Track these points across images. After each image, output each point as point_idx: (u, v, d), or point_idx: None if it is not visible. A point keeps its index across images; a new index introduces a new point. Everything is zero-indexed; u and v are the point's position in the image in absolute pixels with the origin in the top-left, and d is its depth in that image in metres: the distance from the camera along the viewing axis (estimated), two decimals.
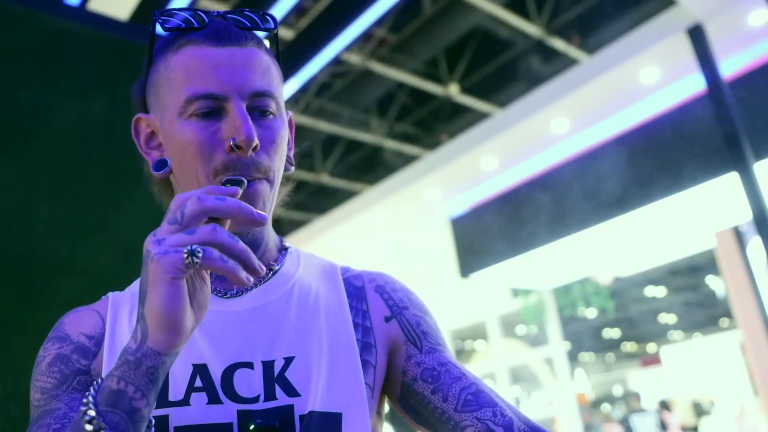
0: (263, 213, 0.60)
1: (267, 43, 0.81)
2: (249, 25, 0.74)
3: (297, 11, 5.97)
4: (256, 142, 0.69)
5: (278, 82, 0.76)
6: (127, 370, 0.56)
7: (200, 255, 0.53)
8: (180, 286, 0.55)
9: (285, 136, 0.76)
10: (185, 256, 0.53)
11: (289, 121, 0.84)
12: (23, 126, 1.72)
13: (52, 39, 1.83)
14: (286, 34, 6.18)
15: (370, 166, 9.67)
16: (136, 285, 0.83)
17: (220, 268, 0.54)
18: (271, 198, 0.74)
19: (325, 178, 9.32)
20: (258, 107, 0.72)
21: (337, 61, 6.38)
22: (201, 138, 0.70)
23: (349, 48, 5.78)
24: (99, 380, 0.60)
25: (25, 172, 1.69)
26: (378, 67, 7.23)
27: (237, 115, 0.69)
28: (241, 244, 0.55)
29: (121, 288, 0.86)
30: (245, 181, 0.67)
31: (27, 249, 1.62)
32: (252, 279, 0.56)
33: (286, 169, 0.81)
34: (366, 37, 6.68)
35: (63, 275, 1.64)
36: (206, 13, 0.73)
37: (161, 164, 0.76)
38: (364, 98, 8.06)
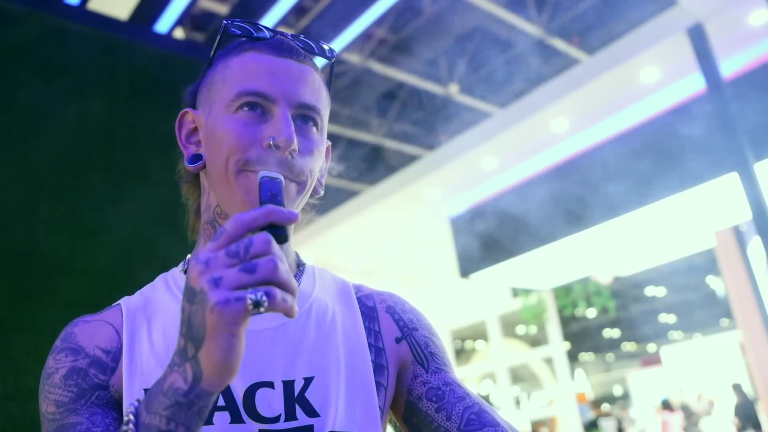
0: (293, 211, 0.56)
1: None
2: (306, 48, 0.79)
3: (297, 11, 5.96)
4: (296, 146, 0.71)
5: (325, 104, 0.79)
6: (177, 411, 0.55)
7: (266, 304, 0.50)
8: (240, 333, 0.52)
9: (322, 151, 0.79)
10: (250, 307, 0.50)
11: (326, 150, 0.85)
12: (23, 126, 1.72)
13: (52, 39, 1.83)
14: None
15: (370, 166, 9.67)
16: (148, 290, 0.82)
17: (281, 309, 0.51)
18: (298, 201, 0.75)
19: (325, 178, 9.30)
20: (303, 117, 0.75)
21: (337, 61, 6.36)
22: (241, 131, 0.72)
23: (349, 48, 5.78)
24: (133, 409, 0.58)
25: (25, 172, 1.69)
26: (378, 67, 7.23)
27: (281, 118, 0.72)
28: (293, 282, 0.52)
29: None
30: (281, 178, 0.68)
31: (27, 249, 1.62)
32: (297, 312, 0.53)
33: (315, 192, 0.83)
34: (366, 37, 6.68)
35: (63, 275, 1.63)
36: (268, 29, 0.78)
37: (196, 158, 0.78)
38: (364, 98, 8.05)
